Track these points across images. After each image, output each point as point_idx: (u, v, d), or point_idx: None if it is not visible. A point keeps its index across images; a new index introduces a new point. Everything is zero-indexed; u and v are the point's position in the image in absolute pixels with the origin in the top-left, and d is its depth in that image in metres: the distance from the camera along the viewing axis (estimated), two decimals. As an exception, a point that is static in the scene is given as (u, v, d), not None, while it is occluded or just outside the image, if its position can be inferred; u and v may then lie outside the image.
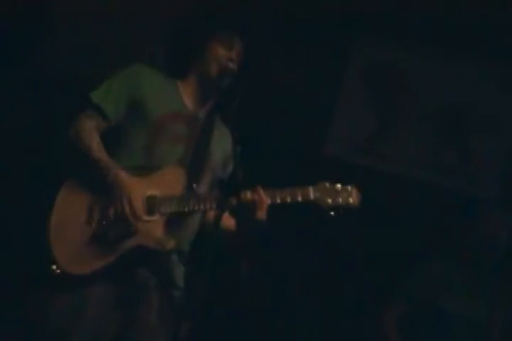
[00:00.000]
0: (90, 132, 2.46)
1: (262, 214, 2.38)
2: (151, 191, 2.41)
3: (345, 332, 4.01)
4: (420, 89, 4.40)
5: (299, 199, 2.43)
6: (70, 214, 2.40)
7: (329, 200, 2.42)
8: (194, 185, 2.48)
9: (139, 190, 2.38)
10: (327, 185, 2.46)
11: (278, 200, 2.40)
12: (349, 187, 2.46)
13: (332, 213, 2.43)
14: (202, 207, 2.42)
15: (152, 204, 2.40)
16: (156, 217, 2.40)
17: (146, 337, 2.44)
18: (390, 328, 3.55)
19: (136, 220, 2.34)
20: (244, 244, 2.67)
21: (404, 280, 3.66)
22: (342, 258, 4.18)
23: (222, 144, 2.66)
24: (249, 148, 2.51)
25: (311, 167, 4.08)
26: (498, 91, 4.32)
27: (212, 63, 2.58)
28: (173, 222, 2.45)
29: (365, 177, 3.76)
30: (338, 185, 2.46)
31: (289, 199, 2.42)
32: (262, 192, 2.39)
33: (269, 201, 2.38)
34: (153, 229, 2.39)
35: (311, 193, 2.43)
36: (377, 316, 3.61)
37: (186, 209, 2.42)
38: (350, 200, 2.43)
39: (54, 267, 2.30)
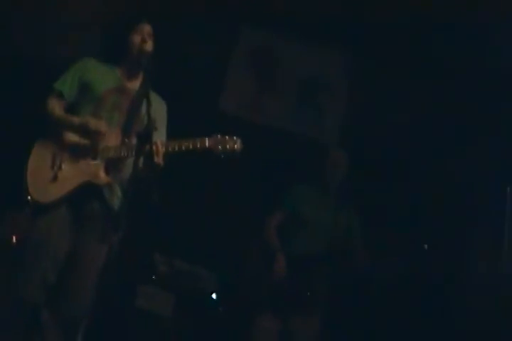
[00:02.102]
0: (55, 106, 3.08)
1: (158, 160, 2.89)
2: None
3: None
4: (287, 65, 5.28)
5: (198, 146, 2.96)
6: (40, 162, 3.00)
7: (220, 147, 3.00)
8: (126, 140, 3.06)
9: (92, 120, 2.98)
10: (219, 136, 3.00)
11: (183, 148, 2.94)
12: (234, 138, 3.02)
13: (222, 156, 3.01)
14: (124, 154, 2.98)
15: (95, 152, 3.00)
16: (97, 162, 3.00)
17: (87, 248, 3.00)
18: (272, 232, 4.19)
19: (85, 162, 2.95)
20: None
21: (279, 198, 4.32)
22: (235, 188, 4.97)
23: (154, 108, 2.94)
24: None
25: (210, 121, 4.72)
26: (340, 67, 5.34)
27: (133, 48, 3.14)
28: (110, 165, 3.03)
29: (247, 128, 4.52)
30: (227, 136, 3.01)
31: (191, 147, 2.95)
32: (158, 143, 2.89)
33: (164, 150, 2.91)
34: (96, 170, 2.98)
35: (207, 142, 2.97)
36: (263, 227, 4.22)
37: (117, 154, 3.01)
38: (235, 147, 3.01)
39: (28, 197, 2.96)
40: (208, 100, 5.02)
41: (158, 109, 3.21)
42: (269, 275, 4.10)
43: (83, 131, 3.02)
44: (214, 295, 4.75)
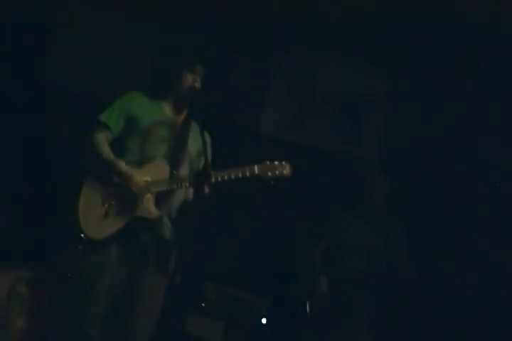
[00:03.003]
0: (101, 142, 3.08)
1: (210, 191, 2.97)
2: (144, 177, 3.00)
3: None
4: (325, 84, 5.24)
5: (247, 174, 2.98)
6: (91, 199, 3.02)
7: (269, 173, 3.01)
8: (174, 172, 3.07)
9: (136, 177, 3.00)
10: (267, 162, 3.02)
11: (233, 177, 2.96)
12: (283, 163, 3.03)
13: (272, 182, 3.01)
14: (177, 186, 3.02)
15: (146, 187, 2.99)
16: (148, 196, 2.99)
17: (146, 281, 2.99)
18: (316, 258, 4.23)
19: (135, 198, 2.95)
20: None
21: (323, 223, 4.32)
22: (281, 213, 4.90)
23: (197, 141, 3.15)
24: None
25: (252, 145, 4.80)
26: (378, 84, 5.25)
27: (183, 85, 3.20)
28: (161, 198, 3.03)
29: (290, 149, 4.76)
30: (276, 162, 3.03)
31: (240, 175, 2.97)
32: (214, 174, 2.94)
33: (226, 178, 2.95)
34: (146, 203, 2.98)
35: (256, 169, 2.99)
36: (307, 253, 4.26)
37: (168, 188, 3.02)
38: (285, 172, 3.02)
39: (82, 235, 2.98)
40: (249, 125, 5.04)
41: (204, 140, 3.15)
42: (315, 298, 4.13)
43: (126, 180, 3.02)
44: (264, 320, 4.64)
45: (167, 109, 3.25)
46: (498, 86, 4.81)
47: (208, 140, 3.28)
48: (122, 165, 3.04)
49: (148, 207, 3.01)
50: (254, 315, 4.76)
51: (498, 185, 4.73)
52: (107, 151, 3.09)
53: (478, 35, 4.60)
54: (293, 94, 5.26)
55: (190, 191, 3.17)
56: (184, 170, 3.18)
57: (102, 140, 3.12)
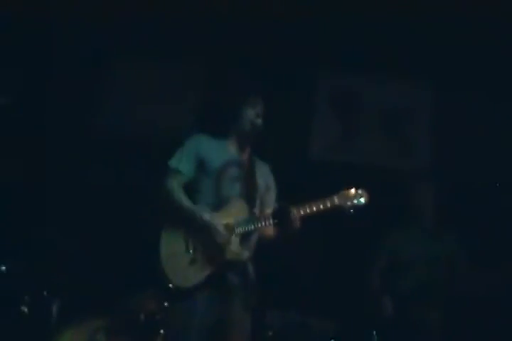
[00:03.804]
0: (176, 188, 3.06)
1: (299, 223, 2.99)
2: (225, 220, 2.99)
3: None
4: (369, 101, 5.19)
5: (329, 205, 3.00)
6: (174, 247, 2.99)
7: (348, 203, 3.03)
8: (254, 210, 3.08)
9: (218, 222, 2.97)
10: (345, 191, 3.04)
11: (315, 209, 2.98)
12: (360, 191, 3.05)
13: (352, 211, 3.02)
14: (262, 224, 3.02)
15: (229, 230, 2.98)
16: (233, 238, 2.98)
17: (237, 322, 3.01)
18: (375, 279, 4.24)
19: (223, 244, 2.95)
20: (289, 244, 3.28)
21: (379, 243, 4.34)
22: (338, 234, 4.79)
23: (263, 175, 3.23)
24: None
25: (302, 169, 4.77)
26: (424, 99, 5.18)
27: (246, 122, 3.18)
28: (244, 238, 3.03)
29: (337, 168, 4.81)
30: (352, 191, 3.04)
31: (322, 207, 2.99)
32: (295, 210, 2.96)
33: (308, 212, 2.98)
34: (232, 246, 2.97)
35: (336, 200, 3.01)
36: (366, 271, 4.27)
37: (253, 227, 3.02)
38: (362, 200, 3.05)
39: (170, 285, 2.94)
40: (296, 148, 5.00)
41: (267, 173, 3.31)
42: (380, 318, 4.15)
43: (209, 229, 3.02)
44: (333, 343, 4.59)
45: (232, 148, 3.25)
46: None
47: (266, 170, 3.34)
48: (203, 214, 3.02)
49: (236, 249, 3.02)
50: (319, 339, 4.66)
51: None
52: (184, 198, 3.09)
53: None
54: (338, 114, 5.25)
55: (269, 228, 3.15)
56: (261, 208, 3.20)
57: (177, 186, 3.11)
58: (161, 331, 3.86)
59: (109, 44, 4.96)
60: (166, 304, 3.95)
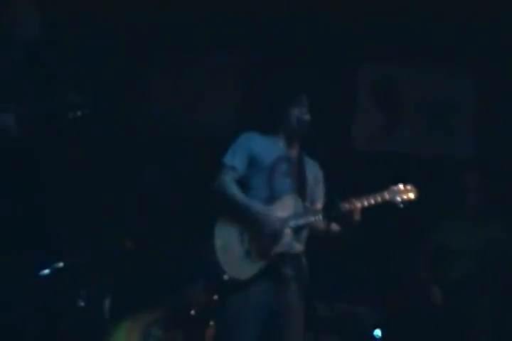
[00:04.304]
0: (231, 183, 3.15)
1: (358, 218, 3.07)
2: (278, 214, 3.07)
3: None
4: (412, 90, 5.17)
5: (380, 200, 3.10)
6: (228, 240, 3.06)
7: (398, 198, 3.13)
8: (306, 204, 3.17)
9: (271, 215, 3.05)
10: (394, 187, 3.14)
11: (366, 204, 3.07)
12: (408, 186, 3.15)
13: (402, 206, 3.13)
14: (315, 218, 3.10)
15: (282, 222, 3.05)
16: (287, 231, 3.06)
17: (291, 313, 3.08)
18: (425, 268, 4.28)
19: (276, 236, 3.02)
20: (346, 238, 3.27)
21: (430, 234, 4.39)
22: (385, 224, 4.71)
23: (311, 170, 3.32)
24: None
25: (346, 160, 4.65)
26: (467, 88, 5.12)
27: (293, 120, 3.26)
28: (297, 232, 3.11)
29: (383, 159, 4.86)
30: (401, 186, 3.15)
31: (373, 202, 3.08)
32: (355, 202, 3.05)
33: (360, 206, 3.06)
34: (286, 239, 3.04)
35: (386, 195, 3.12)
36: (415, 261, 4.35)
37: (305, 221, 3.10)
38: (411, 195, 3.14)
39: (225, 277, 3.02)
40: (342, 139, 4.98)
41: (317, 170, 3.40)
42: (429, 307, 4.17)
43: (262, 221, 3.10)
44: (378, 332, 4.61)
45: (282, 145, 3.33)
46: None
47: (314, 166, 3.40)
48: (257, 206, 3.11)
49: (289, 242, 3.09)
50: (367, 328, 4.69)
51: None
52: (238, 193, 3.17)
53: None
54: (381, 105, 5.25)
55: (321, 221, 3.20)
56: (311, 202, 3.28)
57: (231, 181, 3.19)
58: (211, 323, 3.95)
59: (153, 43, 5.01)
60: (215, 297, 4.05)
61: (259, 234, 3.06)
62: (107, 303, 4.10)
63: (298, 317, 3.13)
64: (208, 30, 4.96)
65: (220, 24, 4.89)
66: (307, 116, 3.27)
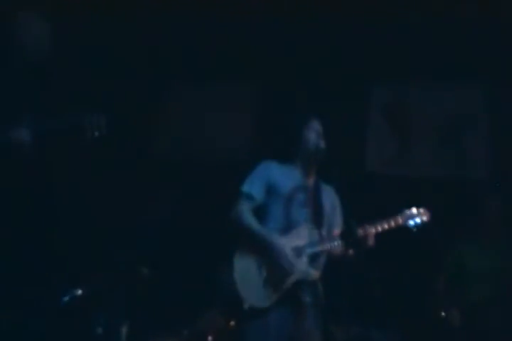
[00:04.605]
0: (247, 213, 3.20)
1: (373, 243, 3.17)
2: (295, 243, 3.13)
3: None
4: (422, 113, 5.21)
5: (393, 225, 3.20)
6: (246, 269, 3.12)
7: (411, 222, 3.25)
8: (322, 231, 3.22)
9: (287, 245, 3.11)
10: (407, 211, 3.24)
11: (380, 229, 3.16)
12: (421, 210, 3.26)
13: (415, 229, 3.23)
14: (332, 245, 3.17)
15: (298, 251, 3.12)
16: (303, 259, 3.12)
17: (310, 339, 3.15)
18: (442, 287, 4.30)
19: (291, 265, 3.08)
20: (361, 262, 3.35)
21: (447, 256, 4.41)
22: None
23: (328, 197, 3.36)
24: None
25: (360, 183, 4.66)
26: (479, 106, 5.14)
27: (309, 145, 3.30)
28: (314, 259, 3.17)
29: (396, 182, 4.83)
30: (414, 210, 3.26)
31: (387, 227, 3.19)
32: (368, 228, 3.14)
33: (374, 232, 3.16)
34: (303, 267, 3.11)
35: (400, 219, 3.21)
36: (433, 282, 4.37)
37: (321, 248, 3.17)
38: (424, 218, 3.25)
39: (246, 305, 3.06)
40: (356, 164, 5.04)
41: (332, 195, 3.43)
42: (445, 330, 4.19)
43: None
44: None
45: (299, 173, 3.36)
46: None
47: (331, 193, 3.44)
48: (273, 236, 3.16)
49: (306, 269, 3.15)
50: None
51: None
52: (254, 222, 3.22)
53: None
54: (393, 127, 5.30)
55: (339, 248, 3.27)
56: (328, 229, 3.33)
57: (248, 211, 3.24)
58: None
59: (168, 68, 5.09)
60: (232, 323, 4.09)
61: (276, 264, 3.11)
62: (124, 330, 4.12)
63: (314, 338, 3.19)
64: (223, 57, 5.03)
65: (234, 51, 4.96)
66: (322, 142, 3.32)
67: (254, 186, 3.26)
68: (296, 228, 3.20)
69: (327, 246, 3.19)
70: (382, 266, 4.67)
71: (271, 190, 3.26)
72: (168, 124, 5.38)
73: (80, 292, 4.05)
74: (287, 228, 3.21)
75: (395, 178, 5.05)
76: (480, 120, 5.15)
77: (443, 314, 4.34)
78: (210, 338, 4.03)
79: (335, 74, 5.06)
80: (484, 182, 4.94)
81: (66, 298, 4.05)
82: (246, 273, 3.13)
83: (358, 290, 4.67)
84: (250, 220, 3.21)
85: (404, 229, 3.25)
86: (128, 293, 4.21)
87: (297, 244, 3.16)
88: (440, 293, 4.32)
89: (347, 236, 3.16)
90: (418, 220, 3.21)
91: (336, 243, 3.18)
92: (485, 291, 4.12)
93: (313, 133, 3.33)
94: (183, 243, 4.68)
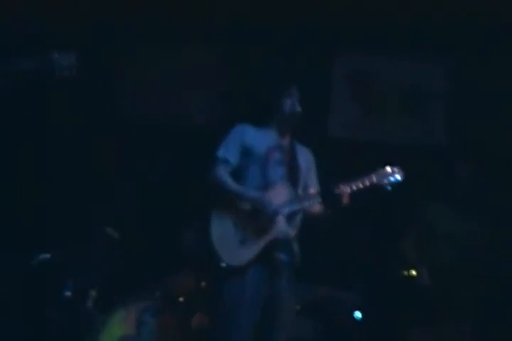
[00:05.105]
0: (225, 175, 3.25)
1: (347, 202, 3.19)
2: (274, 201, 3.14)
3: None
4: (386, 81, 5.33)
5: (367, 184, 3.21)
6: (223, 228, 3.15)
7: (385, 180, 3.23)
8: (298, 191, 3.29)
9: (267, 201, 3.14)
10: (381, 170, 3.23)
11: (355, 188, 3.19)
12: (395, 169, 3.24)
13: (389, 188, 3.22)
14: (309, 204, 3.23)
15: (277, 209, 3.15)
16: (281, 218, 3.16)
17: (284, 298, 3.18)
18: (410, 250, 4.31)
19: (275, 210, 3.11)
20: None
21: (415, 218, 4.44)
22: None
23: (304, 157, 3.43)
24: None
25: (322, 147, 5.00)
26: (438, 76, 5.31)
27: (286, 111, 3.36)
28: (290, 218, 3.21)
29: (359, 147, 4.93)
30: (388, 168, 3.23)
31: (361, 186, 3.19)
32: (343, 187, 3.16)
33: (349, 191, 3.19)
34: (280, 225, 3.15)
35: (374, 178, 3.22)
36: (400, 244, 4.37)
37: (298, 207, 3.21)
38: (398, 177, 3.24)
39: (222, 264, 3.11)
40: (316, 127, 4.98)
41: (309, 158, 3.51)
42: (413, 288, 4.23)
43: (258, 203, 3.20)
44: (358, 314, 4.74)
45: (274, 135, 3.42)
46: None
47: (307, 155, 3.52)
48: (252, 192, 3.23)
49: (283, 228, 3.20)
50: (348, 311, 4.79)
51: None
52: (232, 183, 3.28)
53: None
54: (358, 93, 5.38)
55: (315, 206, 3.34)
56: (304, 189, 3.40)
57: (225, 173, 3.30)
58: (199, 309, 4.04)
59: (134, 30, 4.99)
60: (203, 284, 4.15)
61: (254, 222, 3.17)
62: (94, 293, 4.11)
63: (291, 302, 3.27)
64: (197, 20, 4.96)
65: (210, 14, 4.90)
66: (298, 108, 3.38)
67: (229, 150, 3.32)
68: (273, 187, 3.25)
69: (304, 204, 3.25)
70: (352, 226, 4.86)
71: (246, 152, 3.32)
72: (143, 89, 5.27)
73: (48, 256, 4.03)
74: (264, 187, 3.25)
75: (357, 143, 5.14)
76: (441, 90, 5.28)
77: (405, 273, 4.47)
78: (181, 299, 4.07)
79: (302, 40, 5.08)
80: (447, 148, 5.08)
81: (35, 262, 4.03)
82: (223, 232, 3.18)
83: (323, 250, 4.82)
84: (228, 180, 3.26)
85: (376, 189, 3.26)
86: (97, 256, 4.19)
87: (275, 202, 3.19)
88: (408, 254, 4.37)
89: (323, 194, 3.21)
90: (392, 179, 3.23)
91: (312, 201, 3.24)
92: (451, 254, 4.19)
93: (290, 100, 3.38)
94: (154, 206, 4.67)
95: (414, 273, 4.38)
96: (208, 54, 5.27)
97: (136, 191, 4.73)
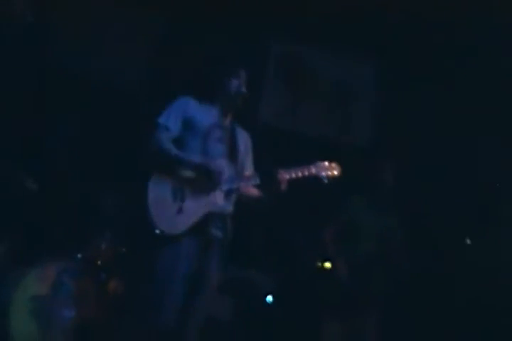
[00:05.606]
0: (166, 141, 3.27)
1: (285, 188, 3.28)
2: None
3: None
4: (315, 72, 5.50)
5: (307, 174, 3.30)
6: (161, 196, 3.17)
7: (323, 173, 3.33)
8: (238, 170, 3.34)
9: (212, 165, 3.20)
10: (320, 163, 3.33)
11: (295, 176, 3.28)
12: (333, 164, 3.35)
13: (326, 181, 3.34)
14: (244, 184, 3.31)
15: (219, 178, 3.21)
16: (218, 193, 3.23)
17: (211, 272, 3.27)
18: (330, 241, 4.42)
19: (207, 194, 3.19)
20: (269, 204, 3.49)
21: (335, 209, 4.57)
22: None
23: (242, 139, 3.51)
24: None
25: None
26: (367, 74, 5.56)
27: (231, 91, 3.42)
28: (227, 195, 3.29)
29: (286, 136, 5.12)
30: (326, 163, 3.34)
31: (301, 175, 3.29)
32: (284, 173, 3.25)
33: (289, 178, 3.27)
34: (218, 199, 3.23)
35: (313, 169, 3.31)
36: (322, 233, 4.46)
37: (236, 186, 3.29)
38: (335, 172, 3.35)
39: (157, 231, 3.12)
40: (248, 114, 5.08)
41: (247, 141, 3.59)
42: (331, 280, 4.31)
43: (203, 170, 3.24)
44: (270, 298, 4.83)
45: (217, 112, 3.48)
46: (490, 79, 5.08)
47: (245, 137, 3.60)
48: (198, 157, 3.26)
49: (220, 202, 3.27)
50: (260, 294, 4.88)
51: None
52: (174, 149, 3.29)
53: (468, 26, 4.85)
54: (288, 81, 5.51)
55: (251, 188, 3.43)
56: (239, 167, 3.46)
57: (166, 139, 3.31)
58: (116, 274, 4.09)
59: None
60: (123, 249, 4.18)
61: (193, 191, 3.21)
62: (9, 254, 4.01)
63: (215, 278, 3.33)
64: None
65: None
66: (244, 89, 3.43)
67: (170, 119, 3.34)
68: (213, 162, 3.29)
69: (242, 184, 3.31)
70: (281, 213, 4.93)
71: (188, 124, 3.34)
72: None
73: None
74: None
75: (284, 132, 5.25)
76: (367, 89, 5.49)
77: (319, 264, 4.59)
78: (99, 262, 4.06)
79: (238, 28, 5.12)
80: (371, 145, 5.28)
81: None
82: (160, 199, 3.18)
83: (253, 234, 4.87)
84: (169, 146, 3.28)
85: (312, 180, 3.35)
86: (14, 211, 4.07)
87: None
88: (326, 245, 4.45)
89: (263, 177, 3.28)
90: (329, 173, 3.33)
91: (250, 182, 3.31)
92: (368, 247, 4.31)
93: (237, 81, 3.43)
94: (85, 163, 4.55)
95: (327, 265, 4.50)
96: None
97: (66, 144, 4.59)
